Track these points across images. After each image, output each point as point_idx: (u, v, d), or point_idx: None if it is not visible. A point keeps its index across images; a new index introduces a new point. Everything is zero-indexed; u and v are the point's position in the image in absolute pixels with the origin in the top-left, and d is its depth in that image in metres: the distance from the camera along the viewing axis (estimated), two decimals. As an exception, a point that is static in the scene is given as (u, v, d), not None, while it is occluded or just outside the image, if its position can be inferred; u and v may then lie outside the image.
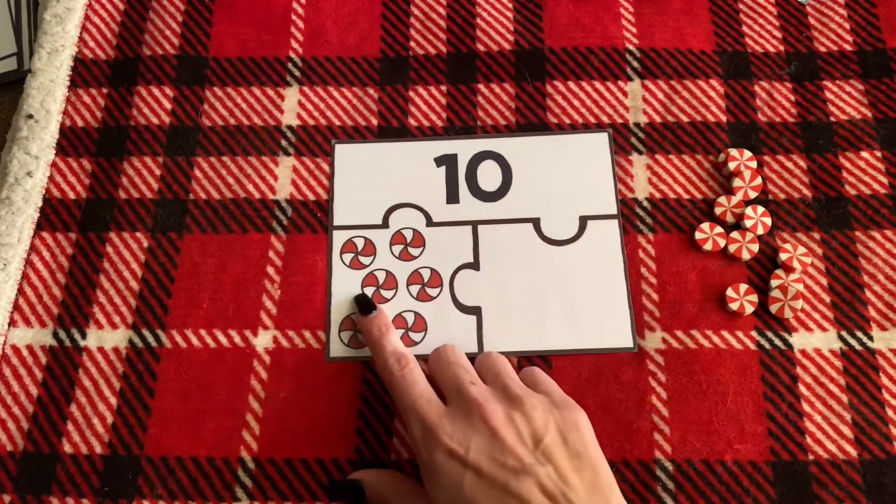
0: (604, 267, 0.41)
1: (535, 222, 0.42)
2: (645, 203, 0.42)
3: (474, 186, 0.43)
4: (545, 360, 0.39)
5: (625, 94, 0.45)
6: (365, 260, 0.41)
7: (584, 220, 0.42)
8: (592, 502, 0.29)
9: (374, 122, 0.44)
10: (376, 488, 0.34)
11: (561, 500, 0.29)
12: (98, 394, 0.38)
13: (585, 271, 0.41)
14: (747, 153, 0.42)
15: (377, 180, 0.43)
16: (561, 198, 0.42)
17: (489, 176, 0.43)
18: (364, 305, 0.38)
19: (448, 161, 0.43)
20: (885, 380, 0.38)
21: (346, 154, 0.43)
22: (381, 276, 0.41)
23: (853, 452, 0.37)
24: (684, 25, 0.46)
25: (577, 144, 0.43)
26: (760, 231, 0.41)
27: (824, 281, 0.40)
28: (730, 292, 0.40)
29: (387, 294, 0.41)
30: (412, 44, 0.46)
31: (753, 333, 0.39)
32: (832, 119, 0.44)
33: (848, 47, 0.46)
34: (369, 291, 0.41)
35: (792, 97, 0.44)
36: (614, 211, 0.42)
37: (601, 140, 0.43)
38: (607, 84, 0.45)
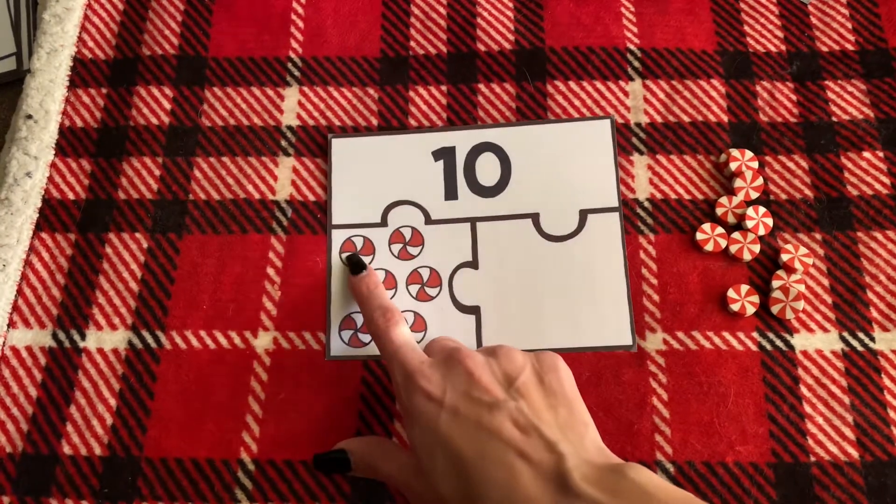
0: (603, 262, 0.41)
1: (535, 218, 0.42)
2: (646, 203, 0.42)
3: (473, 181, 0.43)
4: (546, 361, 0.39)
5: (626, 93, 0.44)
6: (364, 259, 0.41)
7: (584, 214, 0.42)
8: (566, 437, 0.29)
9: (374, 122, 0.44)
10: (361, 455, 0.35)
11: (532, 433, 0.29)
12: (97, 395, 0.38)
13: (584, 267, 0.40)
14: (749, 153, 0.42)
15: (374, 175, 0.43)
16: (561, 191, 0.42)
17: (488, 169, 0.43)
18: (355, 265, 0.39)
19: (446, 154, 0.43)
20: (886, 381, 0.38)
21: (343, 148, 0.43)
22: (381, 276, 0.41)
23: (855, 454, 0.37)
24: (685, 25, 0.46)
25: (579, 133, 0.43)
26: (762, 232, 0.41)
27: (826, 282, 0.40)
28: (731, 293, 0.39)
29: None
30: (412, 43, 0.46)
31: (755, 334, 0.39)
32: (834, 119, 0.44)
33: (850, 47, 0.46)
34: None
35: (793, 97, 0.44)
36: (615, 203, 0.42)
37: (603, 128, 0.43)
38: (608, 84, 0.45)
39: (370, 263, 0.41)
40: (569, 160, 0.43)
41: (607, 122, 0.43)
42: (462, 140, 0.43)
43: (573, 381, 0.33)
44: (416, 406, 0.32)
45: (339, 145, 0.43)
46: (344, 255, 0.41)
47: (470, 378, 0.31)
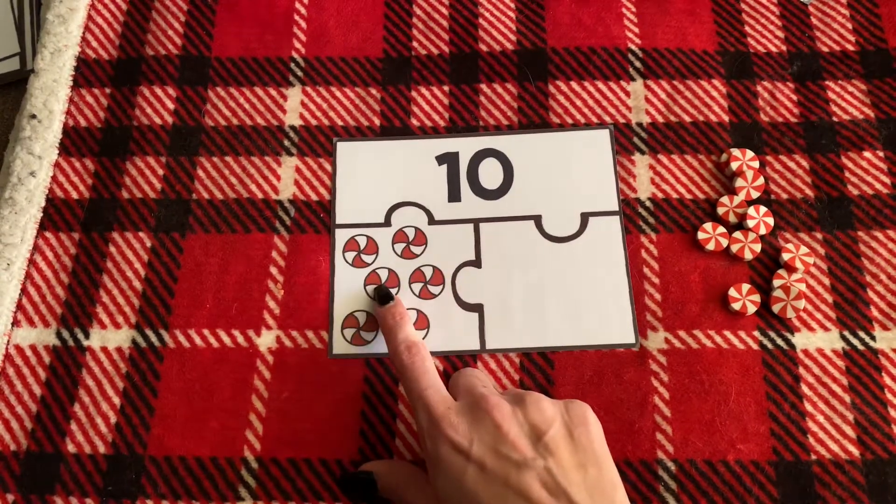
0: (605, 263, 0.41)
1: (537, 219, 0.42)
2: (647, 203, 0.42)
3: (476, 184, 0.43)
4: (547, 358, 0.39)
5: (627, 94, 0.45)
6: (367, 258, 0.41)
7: (585, 217, 0.42)
8: (594, 501, 0.29)
9: (377, 122, 0.44)
10: (387, 479, 0.34)
11: (561, 496, 0.29)
12: (101, 393, 0.38)
13: (587, 268, 0.41)
14: (750, 153, 0.42)
15: (379, 178, 0.43)
16: (562, 195, 0.42)
17: (491, 174, 0.43)
18: (382, 296, 0.39)
19: (449, 159, 0.43)
20: (887, 379, 0.38)
21: (348, 151, 0.44)
22: (384, 275, 0.41)
23: (856, 452, 0.37)
24: (687, 25, 0.46)
25: (578, 141, 0.44)
26: (763, 231, 0.41)
27: (827, 281, 0.40)
28: (732, 292, 0.40)
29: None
30: (415, 44, 0.46)
31: (756, 333, 0.39)
32: (834, 119, 0.44)
33: (850, 47, 0.46)
34: (371, 290, 0.41)
35: (794, 97, 0.44)
36: (616, 207, 0.42)
37: (602, 136, 0.44)
38: (609, 84, 0.45)
39: (373, 262, 0.41)
40: (569, 166, 0.43)
41: (606, 130, 0.43)
42: (465, 146, 0.44)
43: (602, 433, 0.32)
44: (442, 456, 0.31)
45: (343, 149, 0.44)
46: (370, 288, 0.40)
47: (498, 431, 0.31)
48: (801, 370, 0.38)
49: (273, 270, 0.41)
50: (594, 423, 0.32)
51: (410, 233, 0.42)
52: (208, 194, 0.43)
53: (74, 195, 0.43)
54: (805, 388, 0.38)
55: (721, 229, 0.41)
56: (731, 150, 0.43)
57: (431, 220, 0.42)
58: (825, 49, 0.46)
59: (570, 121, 0.44)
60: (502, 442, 0.30)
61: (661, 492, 0.36)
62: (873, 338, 0.39)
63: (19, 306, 0.40)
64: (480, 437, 0.31)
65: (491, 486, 0.30)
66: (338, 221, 0.42)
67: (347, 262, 0.41)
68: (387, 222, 0.42)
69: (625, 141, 0.44)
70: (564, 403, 0.32)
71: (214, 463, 0.37)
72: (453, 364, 0.39)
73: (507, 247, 0.41)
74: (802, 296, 0.39)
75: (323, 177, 0.43)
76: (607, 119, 0.44)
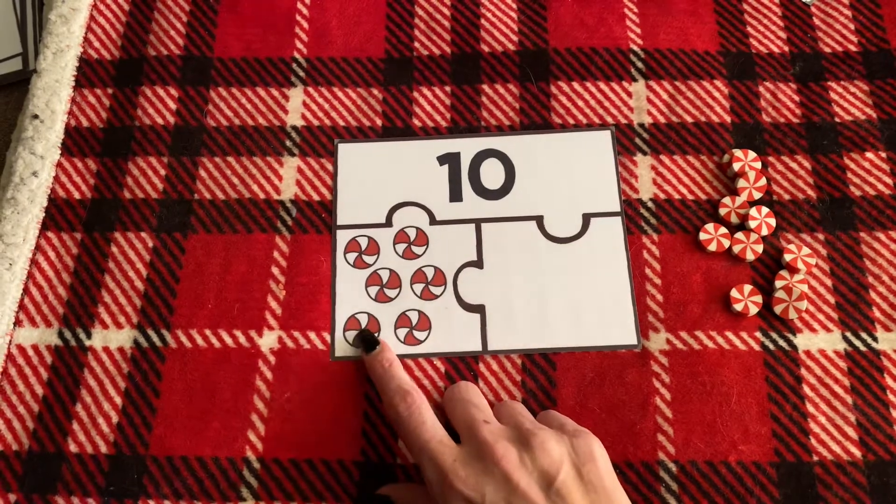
0: (607, 264, 0.41)
1: (539, 220, 0.42)
2: (649, 203, 0.42)
3: (477, 185, 0.43)
4: (548, 359, 0.39)
5: (629, 94, 0.45)
6: (369, 259, 0.41)
7: (587, 218, 0.42)
8: None
9: (379, 122, 0.44)
10: (405, 503, 0.35)
11: None
12: (103, 393, 0.38)
13: (589, 268, 0.41)
14: (752, 154, 0.42)
15: (380, 179, 0.43)
16: (564, 196, 0.42)
17: (492, 174, 0.43)
18: (368, 343, 0.38)
19: (451, 159, 0.43)
20: (889, 381, 0.38)
21: (349, 153, 0.44)
22: (385, 275, 0.41)
23: (857, 454, 0.37)
24: (688, 26, 0.46)
25: (580, 143, 0.44)
26: (765, 232, 0.41)
27: (829, 282, 0.40)
28: (734, 293, 0.40)
29: (391, 293, 0.41)
30: (416, 44, 0.46)
31: (758, 334, 0.39)
32: (836, 120, 0.44)
33: (852, 48, 0.46)
34: (373, 291, 0.41)
35: (796, 98, 0.44)
36: (617, 208, 0.42)
37: (604, 138, 0.44)
38: (611, 84, 0.45)
39: (374, 263, 0.41)
40: (571, 167, 0.43)
41: (608, 132, 0.43)
42: (467, 147, 0.44)
43: (609, 464, 0.32)
44: None
45: (345, 150, 0.44)
46: (351, 335, 0.39)
47: (508, 483, 0.30)
48: (803, 371, 0.38)
49: (275, 271, 0.41)
50: (601, 456, 0.32)
51: (412, 233, 0.42)
52: (210, 194, 0.43)
53: (76, 195, 0.43)
54: (807, 390, 0.38)
55: (723, 230, 0.41)
56: (733, 150, 0.43)
57: (433, 221, 0.42)
58: (827, 49, 0.46)
59: (571, 121, 0.44)
60: (513, 493, 0.30)
61: (662, 493, 0.36)
62: (875, 339, 0.39)
63: (21, 306, 0.40)
64: (491, 489, 0.31)
65: None
66: (339, 222, 0.42)
67: (349, 263, 0.41)
68: (388, 223, 0.42)
69: (626, 141, 0.43)
70: (570, 439, 0.32)
71: (216, 463, 0.37)
72: (454, 365, 0.39)
73: (508, 247, 0.41)
74: (804, 297, 0.39)
75: (325, 177, 0.43)
76: (609, 120, 0.44)
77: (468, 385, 0.37)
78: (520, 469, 0.31)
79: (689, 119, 0.44)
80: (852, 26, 0.46)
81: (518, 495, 0.30)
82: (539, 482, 0.31)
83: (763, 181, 0.42)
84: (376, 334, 0.39)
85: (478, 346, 0.39)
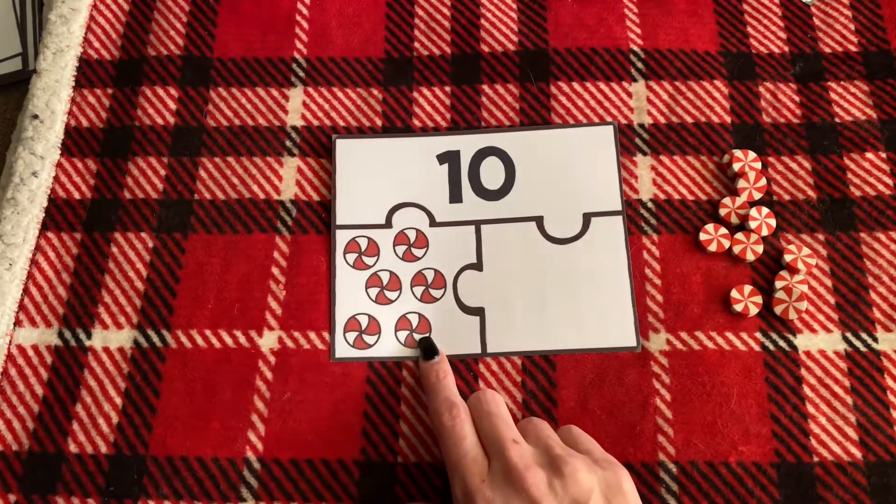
0: (607, 264, 0.41)
1: (539, 221, 0.42)
2: (649, 204, 0.42)
3: (477, 185, 0.43)
4: (548, 360, 0.39)
5: (629, 94, 0.44)
6: (369, 260, 0.41)
7: (587, 218, 0.42)
8: None
9: (379, 122, 0.44)
10: None
11: None
12: (103, 394, 0.38)
13: (589, 269, 0.41)
14: (752, 154, 0.42)
15: (379, 178, 0.43)
16: (564, 195, 0.42)
17: (492, 173, 0.43)
18: (427, 350, 0.38)
19: (451, 158, 0.43)
20: (889, 381, 0.38)
21: (347, 149, 0.43)
22: (385, 277, 0.41)
23: (858, 454, 0.37)
24: (689, 26, 0.46)
25: (582, 138, 0.43)
26: (765, 232, 0.41)
27: (829, 282, 0.40)
28: (734, 293, 0.40)
29: (391, 295, 0.41)
30: (416, 44, 0.46)
31: (758, 335, 0.39)
32: (837, 120, 0.44)
33: (853, 48, 0.46)
34: (374, 292, 0.41)
35: (796, 98, 0.44)
36: (618, 207, 0.42)
37: (606, 134, 0.43)
38: (611, 85, 0.45)
39: (374, 265, 0.41)
40: (572, 164, 0.43)
41: (610, 127, 0.43)
42: (466, 144, 0.43)
43: (638, 498, 0.32)
44: None
45: (343, 146, 0.43)
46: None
47: None
48: (804, 372, 0.38)
49: (275, 271, 0.41)
50: (630, 490, 0.32)
51: (412, 235, 0.42)
52: (210, 194, 0.43)
53: (76, 195, 0.43)
54: (807, 390, 0.38)
55: (723, 230, 0.41)
56: (733, 151, 0.43)
57: (433, 222, 0.42)
58: (827, 50, 0.46)
59: (571, 121, 0.44)
60: None
61: (662, 494, 0.36)
62: (875, 339, 0.39)
63: (21, 306, 0.40)
64: None
65: None
66: (338, 222, 0.42)
67: (349, 263, 0.41)
68: (388, 224, 0.42)
69: (627, 142, 0.43)
70: (601, 470, 0.32)
71: (216, 463, 0.37)
72: (455, 367, 0.39)
73: (508, 249, 0.41)
74: (804, 297, 0.39)
75: (325, 177, 0.43)
76: (609, 120, 0.44)
77: (495, 396, 0.36)
78: (549, 497, 0.31)
79: (689, 119, 0.44)
80: (852, 26, 0.46)
81: None
82: None
83: (763, 181, 0.42)
84: (427, 334, 0.40)
85: (477, 349, 0.39)
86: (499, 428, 0.34)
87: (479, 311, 0.40)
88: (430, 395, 0.36)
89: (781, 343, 0.39)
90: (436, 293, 0.41)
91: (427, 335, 0.40)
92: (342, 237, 0.42)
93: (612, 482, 0.32)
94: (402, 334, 0.40)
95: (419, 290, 0.41)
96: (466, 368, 0.39)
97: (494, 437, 0.33)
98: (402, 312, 0.40)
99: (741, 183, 0.42)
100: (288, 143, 0.44)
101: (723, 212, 0.41)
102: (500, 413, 0.35)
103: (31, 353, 0.39)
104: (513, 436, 0.33)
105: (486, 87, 0.45)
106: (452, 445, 0.34)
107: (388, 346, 0.40)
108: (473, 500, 0.31)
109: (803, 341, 0.39)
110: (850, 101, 0.44)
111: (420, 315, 0.40)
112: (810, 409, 0.38)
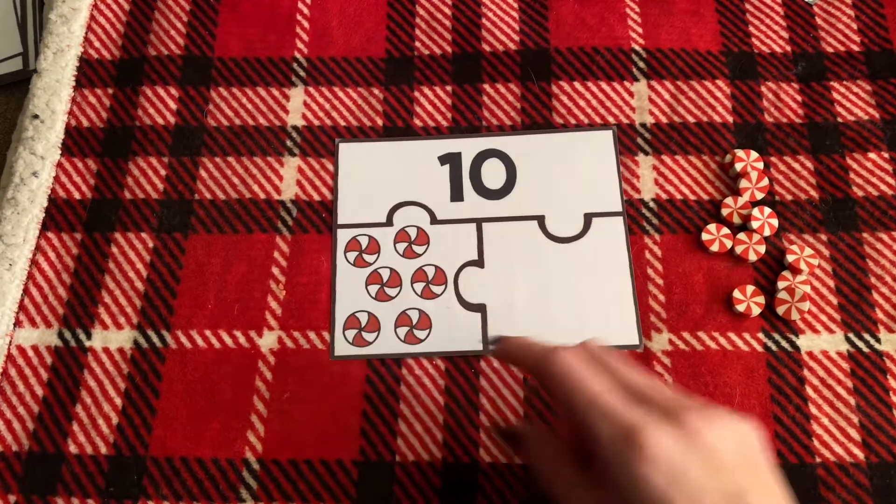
0: (609, 264, 0.41)
1: (540, 220, 0.42)
2: (651, 204, 0.42)
3: (478, 184, 0.43)
4: (550, 361, 0.39)
5: (631, 94, 0.44)
6: (369, 258, 0.41)
7: (588, 218, 0.42)
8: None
9: (380, 122, 0.44)
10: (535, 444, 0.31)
11: None
12: (103, 394, 0.38)
13: (590, 268, 0.41)
14: (754, 154, 0.42)
15: (381, 179, 0.43)
16: (565, 195, 0.42)
17: (493, 174, 0.43)
18: (491, 342, 0.33)
19: (452, 159, 0.43)
20: (892, 382, 0.38)
21: (350, 152, 0.43)
22: (386, 274, 0.41)
23: (860, 455, 0.37)
24: (690, 26, 0.46)
25: (582, 142, 0.43)
26: (767, 232, 0.41)
27: (831, 283, 0.40)
28: (736, 294, 0.39)
29: (391, 292, 0.40)
30: (417, 44, 0.46)
31: (760, 335, 0.39)
32: (839, 120, 0.44)
33: (855, 48, 0.46)
34: (373, 289, 0.40)
35: (799, 98, 0.44)
36: (619, 208, 0.42)
37: (606, 138, 0.43)
38: (613, 84, 0.45)
39: (375, 262, 0.41)
40: (572, 167, 0.43)
41: (610, 132, 0.43)
42: (468, 146, 0.43)
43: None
44: (641, 480, 0.24)
45: (346, 150, 0.43)
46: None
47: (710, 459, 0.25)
48: (806, 372, 0.38)
49: (275, 271, 0.41)
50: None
51: (412, 232, 0.42)
52: (210, 194, 0.43)
53: (77, 195, 0.43)
54: (809, 391, 0.38)
55: (725, 230, 0.41)
56: (736, 150, 0.42)
57: (434, 220, 0.42)
58: (830, 49, 0.46)
59: (573, 121, 0.44)
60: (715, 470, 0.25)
61: (664, 494, 0.36)
62: (878, 340, 0.39)
63: (21, 307, 0.40)
64: (694, 465, 0.25)
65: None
66: (339, 221, 0.42)
67: (349, 261, 0.41)
68: (388, 222, 0.42)
69: (628, 141, 0.43)
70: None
71: (216, 464, 0.37)
72: (455, 364, 0.39)
73: (509, 247, 0.41)
74: (807, 297, 0.39)
75: (325, 177, 0.43)
76: (611, 119, 0.44)
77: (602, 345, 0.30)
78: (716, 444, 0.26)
79: (690, 119, 0.44)
80: (855, 26, 0.46)
81: (721, 471, 0.25)
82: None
83: (765, 181, 0.42)
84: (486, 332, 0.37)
85: (478, 346, 0.39)
86: (654, 382, 0.28)
87: (480, 308, 0.40)
88: (525, 362, 0.31)
89: (784, 344, 0.39)
90: (436, 289, 0.40)
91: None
92: (343, 236, 0.42)
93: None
94: (402, 331, 0.40)
95: (419, 286, 0.41)
96: (468, 366, 0.39)
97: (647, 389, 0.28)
98: (401, 309, 0.40)
99: (743, 183, 0.42)
100: (289, 142, 0.44)
101: (725, 212, 0.41)
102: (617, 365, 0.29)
103: (30, 353, 0.39)
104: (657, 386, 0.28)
105: (487, 87, 0.45)
106: (579, 386, 0.27)
107: (388, 343, 0.39)
108: (634, 443, 0.25)
109: (806, 342, 0.39)
110: (853, 101, 0.44)
111: (420, 311, 0.40)
112: (813, 409, 0.37)
